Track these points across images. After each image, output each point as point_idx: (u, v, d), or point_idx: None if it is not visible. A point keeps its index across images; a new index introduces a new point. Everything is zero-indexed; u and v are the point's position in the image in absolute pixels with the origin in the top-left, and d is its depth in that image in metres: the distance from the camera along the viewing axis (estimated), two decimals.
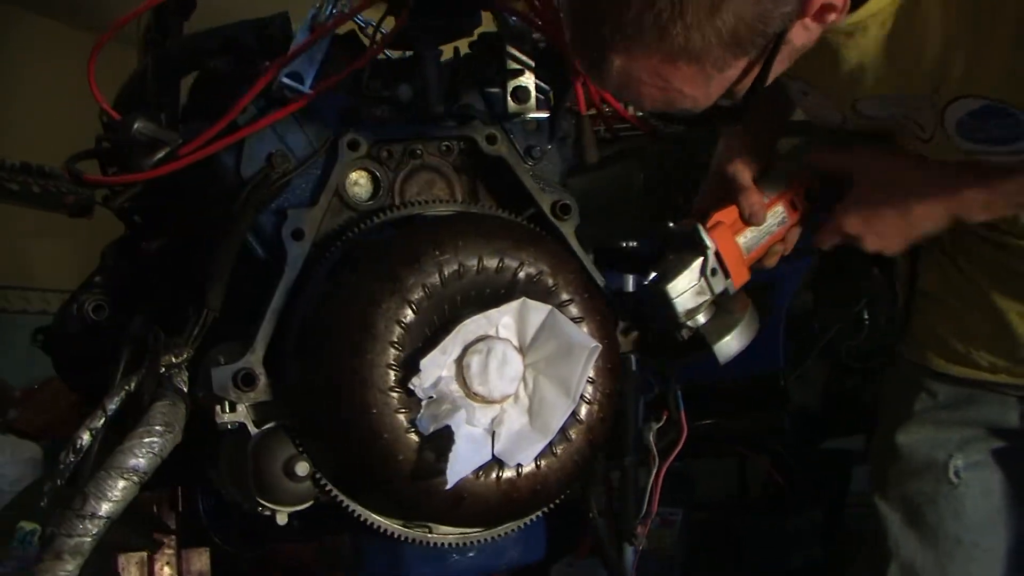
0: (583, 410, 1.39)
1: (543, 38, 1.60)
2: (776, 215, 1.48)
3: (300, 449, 1.36)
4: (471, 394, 1.32)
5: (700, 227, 1.42)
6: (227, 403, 1.36)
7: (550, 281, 1.38)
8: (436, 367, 1.29)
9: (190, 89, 1.69)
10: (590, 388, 1.38)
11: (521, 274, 1.37)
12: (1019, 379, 1.52)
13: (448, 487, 1.29)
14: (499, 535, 1.45)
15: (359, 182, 1.49)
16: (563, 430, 1.36)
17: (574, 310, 1.39)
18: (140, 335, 1.57)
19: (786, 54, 1.13)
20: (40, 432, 4.05)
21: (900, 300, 1.67)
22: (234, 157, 1.45)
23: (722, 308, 1.46)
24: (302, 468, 1.34)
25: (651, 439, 1.81)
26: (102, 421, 1.38)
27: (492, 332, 1.34)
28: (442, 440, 1.27)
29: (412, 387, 1.29)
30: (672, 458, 1.93)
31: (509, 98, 1.57)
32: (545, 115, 1.60)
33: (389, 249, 1.36)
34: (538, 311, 1.35)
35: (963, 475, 1.55)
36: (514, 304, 1.35)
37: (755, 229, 1.47)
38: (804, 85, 1.38)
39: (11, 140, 4.42)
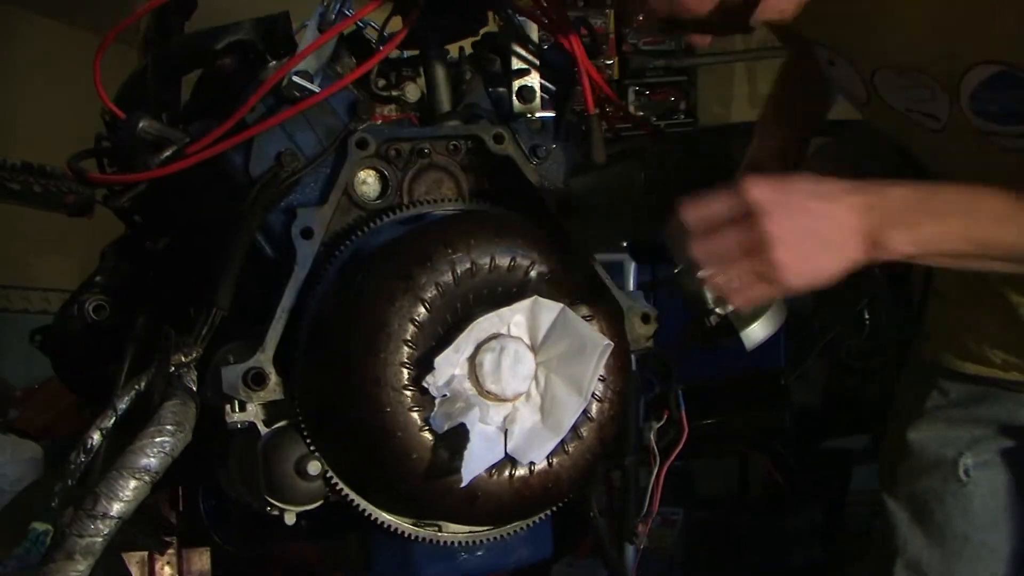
0: (594, 408, 1.39)
1: (548, 37, 1.61)
2: None
3: (311, 448, 1.35)
4: (484, 392, 1.32)
5: None
6: (237, 402, 1.36)
7: (561, 279, 1.38)
8: (450, 365, 1.29)
9: (193, 88, 1.69)
10: (601, 386, 1.38)
11: (533, 272, 1.37)
12: None
13: (463, 485, 1.29)
14: (508, 533, 1.45)
15: (367, 181, 1.49)
16: (575, 428, 1.36)
17: (585, 308, 1.39)
18: (145, 334, 1.57)
19: None
20: (41, 432, 4.05)
21: (916, 299, 1.68)
22: (243, 156, 1.44)
23: None
24: (314, 467, 1.34)
25: (652, 438, 1.81)
26: (112, 421, 1.38)
27: (504, 330, 1.34)
28: (457, 438, 1.27)
29: (426, 385, 1.29)
30: (673, 458, 1.93)
31: (515, 97, 1.58)
32: (551, 115, 1.60)
33: (402, 247, 1.36)
34: (550, 309, 1.35)
35: (972, 474, 1.56)
36: (526, 302, 1.34)
37: None
38: (830, 52, 1.39)
39: (12, 140, 4.42)
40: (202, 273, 1.45)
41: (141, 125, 1.48)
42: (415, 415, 1.30)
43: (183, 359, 1.39)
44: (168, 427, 1.31)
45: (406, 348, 1.30)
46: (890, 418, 1.69)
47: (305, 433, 1.36)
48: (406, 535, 1.40)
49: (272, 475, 1.36)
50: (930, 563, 1.58)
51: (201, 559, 2.20)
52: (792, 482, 3.75)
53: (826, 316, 3.30)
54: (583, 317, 1.38)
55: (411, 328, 1.30)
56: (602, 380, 1.38)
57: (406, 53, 1.64)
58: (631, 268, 2.64)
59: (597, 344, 1.34)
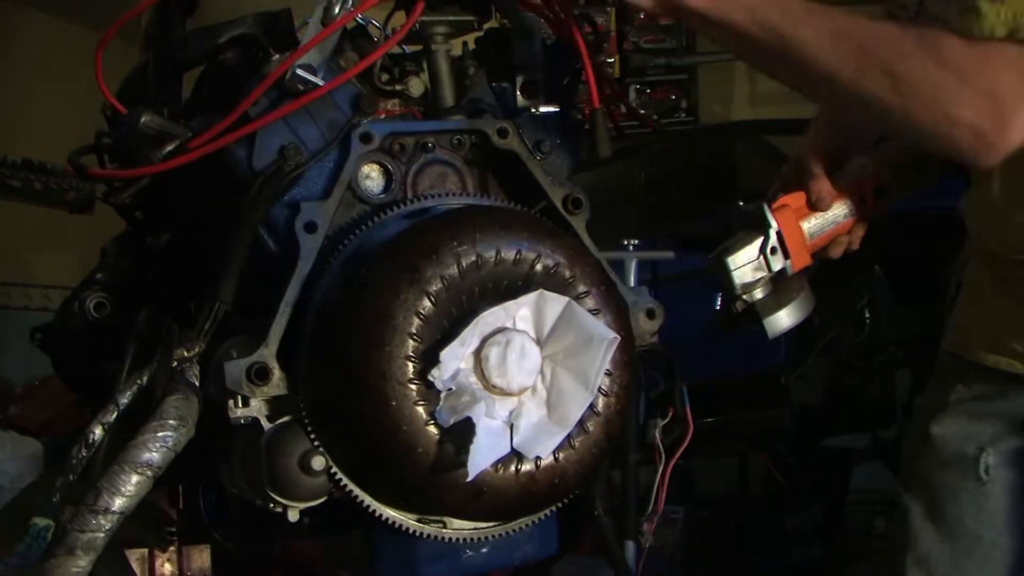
0: (600, 402, 1.38)
1: (552, 32, 1.60)
2: (844, 206, 1.54)
3: (315, 443, 1.35)
4: (490, 386, 1.31)
5: (765, 207, 1.50)
6: (240, 398, 1.35)
7: (567, 273, 1.38)
8: (455, 359, 1.29)
9: (195, 83, 1.68)
10: (607, 380, 1.37)
11: (538, 266, 1.36)
12: None
13: (468, 480, 1.28)
14: (513, 530, 1.45)
15: (371, 175, 1.49)
16: (581, 422, 1.36)
17: (591, 302, 1.39)
18: (146, 331, 1.57)
19: None
20: (41, 429, 4.06)
21: (951, 293, 1.67)
22: (246, 150, 1.44)
23: (779, 287, 1.52)
24: (318, 463, 1.33)
25: (657, 436, 1.81)
26: (114, 415, 1.37)
27: (510, 324, 1.33)
28: (462, 432, 1.26)
29: (431, 379, 1.28)
30: (678, 456, 1.93)
31: (519, 92, 1.58)
32: (555, 109, 1.59)
33: (407, 240, 1.35)
34: (556, 303, 1.34)
35: (992, 472, 1.54)
36: (532, 296, 1.34)
37: (821, 216, 1.53)
38: None
39: (13, 137, 4.42)
40: (204, 268, 1.44)
41: (143, 120, 1.47)
42: (420, 409, 1.29)
43: (185, 354, 1.38)
44: (170, 422, 1.31)
45: (411, 341, 1.29)
46: (916, 412, 1.68)
47: (309, 428, 1.35)
48: (410, 532, 1.40)
49: (275, 471, 1.35)
50: (940, 559, 1.57)
51: (201, 556, 2.19)
52: (792, 481, 3.75)
53: (826, 315, 3.30)
54: (589, 311, 1.37)
55: (416, 321, 1.30)
56: (608, 374, 1.38)
57: (410, 48, 1.64)
58: (632, 265, 2.63)
59: (604, 337, 1.34)
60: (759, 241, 1.50)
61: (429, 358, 1.29)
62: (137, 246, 1.69)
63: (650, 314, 1.55)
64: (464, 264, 1.32)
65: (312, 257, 1.39)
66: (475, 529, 1.42)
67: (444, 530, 1.41)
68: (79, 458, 1.36)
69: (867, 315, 3.48)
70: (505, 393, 1.32)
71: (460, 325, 1.31)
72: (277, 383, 1.36)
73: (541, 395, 1.34)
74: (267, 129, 1.44)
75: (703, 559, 3.52)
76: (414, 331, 1.30)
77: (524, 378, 1.32)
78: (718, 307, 1.59)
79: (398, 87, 1.57)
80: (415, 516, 1.40)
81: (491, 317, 1.32)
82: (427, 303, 1.31)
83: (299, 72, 1.43)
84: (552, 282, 1.37)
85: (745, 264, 1.49)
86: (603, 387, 1.37)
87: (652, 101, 5.29)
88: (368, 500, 1.38)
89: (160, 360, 1.38)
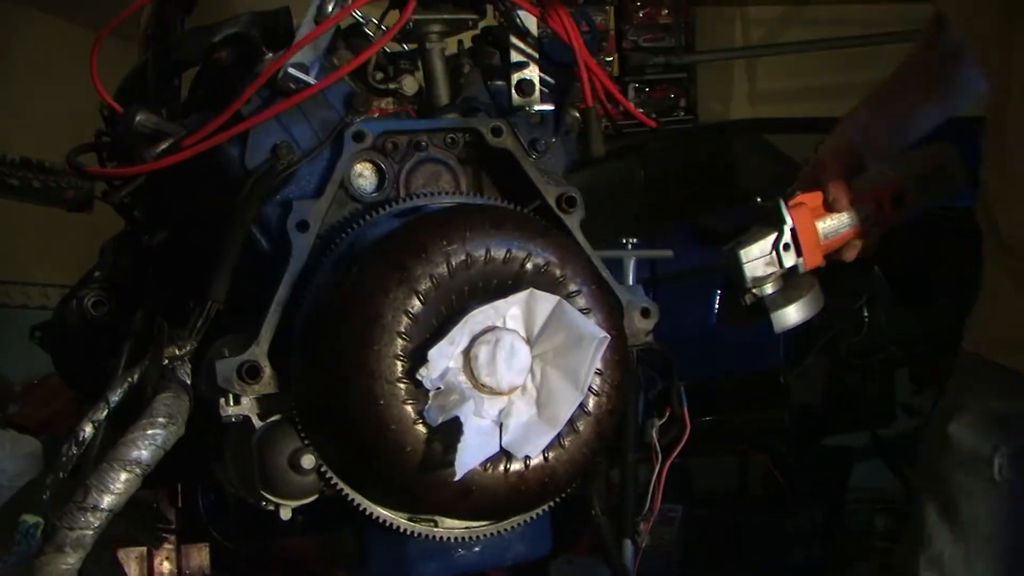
0: (591, 402, 1.37)
1: (547, 30, 1.60)
2: (861, 210, 1.55)
3: (305, 442, 1.35)
4: (479, 385, 1.31)
5: (782, 203, 1.52)
6: (231, 396, 1.35)
7: (558, 272, 1.37)
8: (444, 358, 1.29)
9: (192, 83, 1.68)
10: (598, 379, 1.37)
11: (529, 265, 1.36)
12: None
13: (456, 479, 1.28)
14: (505, 529, 1.44)
15: (364, 174, 1.49)
16: (571, 422, 1.35)
17: (581, 301, 1.38)
18: (144, 330, 1.57)
19: None
20: (40, 427, 4.06)
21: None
22: (238, 148, 1.44)
23: (790, 283, 1.54)
24: (308, 461, 1.33)
25: (654, 435, 1.81)
26: (104, 413, 1.37)
27: (500, 323, 1.33)
28: (451, 431, 1.26)
29: (420, 378, 1.28)
30: (675, 455, 1.93)
31: (513, 91, 1.57)
32: (550, 108, 1.59)
33: (397, 239, 1.35)
34: (546, 302, 1.34)
35: (1006, 473, 1.53)
36: (522, 295, 1.33)
37: (836, 218, 1.55)
38: None
39: (11, 136, 4.42)
40: (198, 266, 1.44)
41: (138, 119, 1.48)
42: (409, 408, 1.29)
43: (177, 352, 1.38)
44: (160, 419, 1.31)
45: (400, 340, 1.29)
46: (936, 412, 1.68)
47: (299, 427, 1.35)
48: (401, 530, 1.40)
49: (266, 469, 1.35)
50: (952, 560, 1.56)
51: (200, 555, 2.20)
52: (792, 480, 3.75)
53: (826, 314, 3.30)
54: (580, 310, 1.37)
55: (405, 320, 1.29)
56: (599, 374, 1.37)
57: (405, 46, 1.64)
58: (631, 263, 2.63)
59: (594, 337, 1.33)
60: (773, 236, 1.51)
61: (418, 357, 1.29)
62: (135, 245, 1.70)
63: (645, 313, 1.54)
64: (453, 263, 1.32)
65: (304, 256, 1.39)
66: (466, 528, 1.42)
67: (435, 529, 1.41)
68: (69, 456, 1.36)
69: (866, 314, 3.48)
70: (494, 392, 1.31)
71: (450, 324, 1.31)
72: (268, 381, 1.36)
73: (531, 394, 1.34)
74: (260, 128, 1.44)
75: (701, 557, 3.52)
76: (403, 330, 1.29)
77: (514, 377, 1.32)
78: (719, 302, 1.58)
79: (392, 85, 1.56)
80: (406, 515, 1.40)
81: (481, 316, 1.31)
82: (416, 302, 1.30)
83: (291, 71, 1.43)
84: (542, 281, 1.36)
85: (758, 258, 1.51)
86: (594, 386, 1.37)
87: (651, 99, 5.28)
88: (359, 498, 1.38)
89: (151, 358, 1.39)
